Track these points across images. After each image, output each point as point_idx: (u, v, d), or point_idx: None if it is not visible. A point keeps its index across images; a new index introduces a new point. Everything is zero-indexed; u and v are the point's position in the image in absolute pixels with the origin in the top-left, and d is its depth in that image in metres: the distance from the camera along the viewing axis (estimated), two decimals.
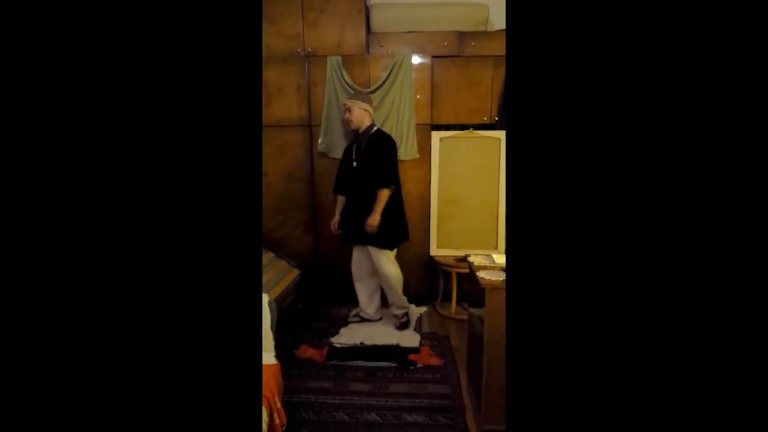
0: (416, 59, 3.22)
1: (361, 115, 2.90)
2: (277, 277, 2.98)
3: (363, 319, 3.21)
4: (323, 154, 3.33)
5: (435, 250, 3.44)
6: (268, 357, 1.87)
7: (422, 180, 3.36)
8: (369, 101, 2.95)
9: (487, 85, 3.27)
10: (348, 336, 2.99)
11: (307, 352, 2.80)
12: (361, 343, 2.89)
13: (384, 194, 2.86)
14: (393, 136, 3.02)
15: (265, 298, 1.93)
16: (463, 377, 2.56)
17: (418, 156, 3.30)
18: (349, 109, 2.90)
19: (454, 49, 3.23)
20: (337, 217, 3.11)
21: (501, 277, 2.02)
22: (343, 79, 3.20)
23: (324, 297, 3.51)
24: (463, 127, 3.34)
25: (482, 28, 3.36)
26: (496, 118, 3.30)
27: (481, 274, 2.08)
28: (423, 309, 3.42)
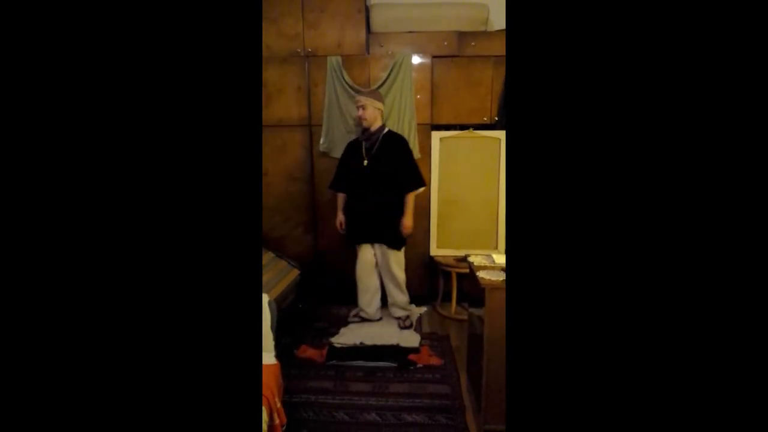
0: (416, 59, 3.22)
1: (375, 114, 2.89)
2: (277, 277, 2.98)
3: (363, 319, 3.21)
4: (323, 154, 3.33)
5: (435, 250, 3.44)
6: (268, 357, 1.87)
7: None
8: (382, 100, 2.94)
9: (487, 85, 3.27)
10: (348, 336, 2.99)
11: (307, 352, 2.80)
12: (361, 343, 2.89)
13: (413, 196, 2.95)
14: None
15: (265, 298, 1.94)
16: (463, 377, 2.56)
17: (419, 156, 3.30)
18: (363, 107, 2.87)
19: (454, 49, 3.23)
20: (342, 216, 3.09)
21: (501, 277, 2.02)
22: (343, 79, 3.20)
23: (324, 297, 3.51)
24: (463, 127, 3.34)
25: (482, 28, 3.36)
26: (496, 118, 3.30)
27: (481, 274, 2.08)
28: (423, 309, 3.42)
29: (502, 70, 3.21)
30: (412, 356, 2.72)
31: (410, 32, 3.27)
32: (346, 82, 3.20)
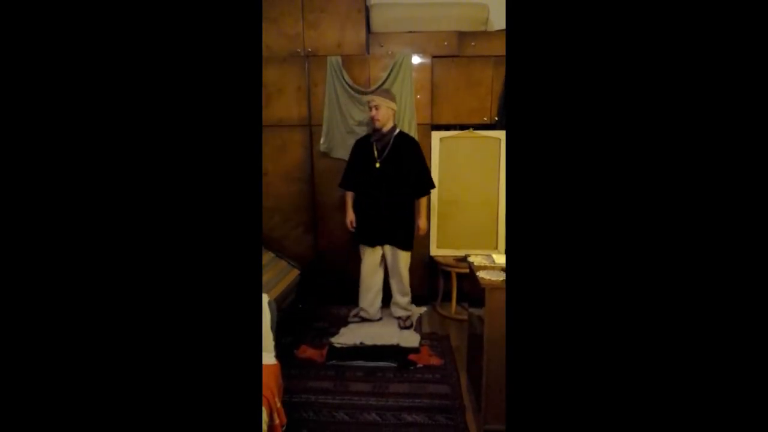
0: (416, 59, 3.22)
1: (388, 114, 2.85)
2: (277, 277, 2.98)
3: (363, 319, 3.21)
4: (324, 154, 3.33)
5: (435, 250, 3.44)
6: (268, 357, 1.87)
7: None
8: (395, 100, 2.90)
9: (487, 85, 3.27)
10: (348, 336, 2.99)
11: (307, 352, 2.80)
12: (361, 343, 2.89)
13: (425, 197, 2.98)
14: None
15: (265, 298, 1.94)
16: (463, 377, 2.56)
17: None
18: (376, 107, 2.80)
19: (454, 49, 3.23)
20: (352, 215, 3.06)
21: (501, 277, 2.02)
22: (343, 79, 3.20)
23: (324, 297, 3.51)
24: (463, 127, 3.34)
25: (482, 28, 3.36)
26: (496, 118, 3.30)
27: (481, 274, 2.08)
28: (423, 309, 3.42)
29: (502, 70, 3.21)
30: (412, 356, 2.72)
31: (410, 32, 3.27)
32: (346, 82, 3.20)
